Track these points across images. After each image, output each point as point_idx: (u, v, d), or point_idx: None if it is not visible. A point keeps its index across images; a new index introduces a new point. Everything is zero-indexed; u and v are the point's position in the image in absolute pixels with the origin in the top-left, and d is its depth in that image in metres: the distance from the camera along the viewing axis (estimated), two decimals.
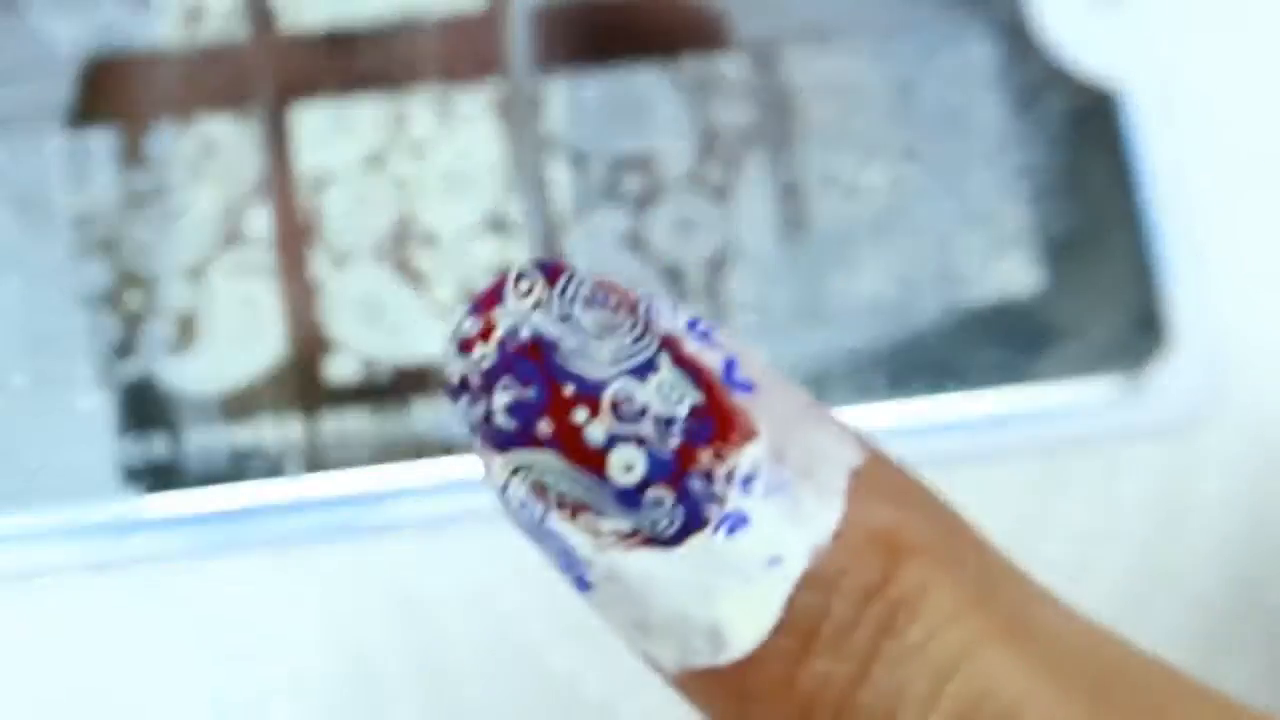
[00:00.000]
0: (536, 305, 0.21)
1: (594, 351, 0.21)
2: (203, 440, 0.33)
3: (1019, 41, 0.35)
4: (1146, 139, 0.35)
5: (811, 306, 0.35)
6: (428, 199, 0.35)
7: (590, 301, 0.21)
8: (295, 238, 0.34)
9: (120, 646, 0.33)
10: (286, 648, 0.33)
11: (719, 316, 0.34)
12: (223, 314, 0.34)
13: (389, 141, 0.35)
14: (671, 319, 0.22)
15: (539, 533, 0.22)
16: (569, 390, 0.21)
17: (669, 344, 0.21)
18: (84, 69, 0.34)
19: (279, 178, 0.34)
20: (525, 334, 0.21)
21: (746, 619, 0.21)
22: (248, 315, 0.34)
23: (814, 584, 0.21)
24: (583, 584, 0.22)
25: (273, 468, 0.33)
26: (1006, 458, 0.34)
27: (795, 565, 0.21)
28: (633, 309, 0.21)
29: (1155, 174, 0.35)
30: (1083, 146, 0.35)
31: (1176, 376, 0.34)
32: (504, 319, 0.21)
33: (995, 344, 0.35)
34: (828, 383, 0.34)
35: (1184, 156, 0.35)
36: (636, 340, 0.21)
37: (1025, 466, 0.34)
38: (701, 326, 0.22)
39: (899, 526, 0.21)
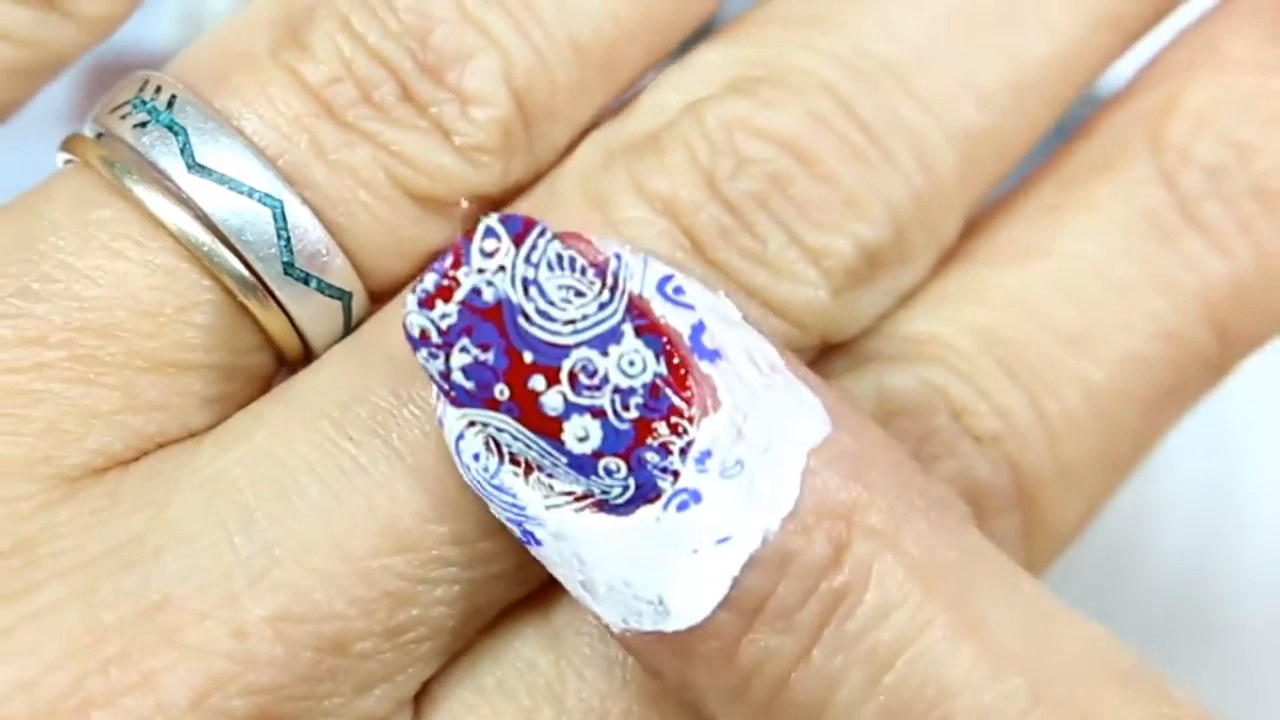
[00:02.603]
0: (501, 267, 0.21)
1: (556, 317, 0.21)
2: None
3: None
4: None
5: None
6: None
7: (557, 263, 0.21)
8: None
9: None
10: None
11: None
12: None
13: None
14: (641, 278, 0.21)
15: (488, 488, 0.21)
16: (528, 357, 0.21)
17: (636, 308, 0.21)
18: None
19: None
20: (488, 296, 0.21)
21: (691, 593, 0.21)
22: None
23: (762, 565, 0.21)
24: (531, 539, 0.21)
25: None
26: None
27: (744, 546, 0.21)
28: (601, 270, 0.21)
29: None
30: None
31: None
32: (467, 278, 0.21)
33: None
34: None
35: None
36: (602, 306, 0.21)
37: None
38: (674, 284, 0.21)
39: (853, 506, 0.21)
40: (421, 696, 0.23)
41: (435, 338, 0.21)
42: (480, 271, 0.21)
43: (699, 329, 0.21)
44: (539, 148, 0.24)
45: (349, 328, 0.24)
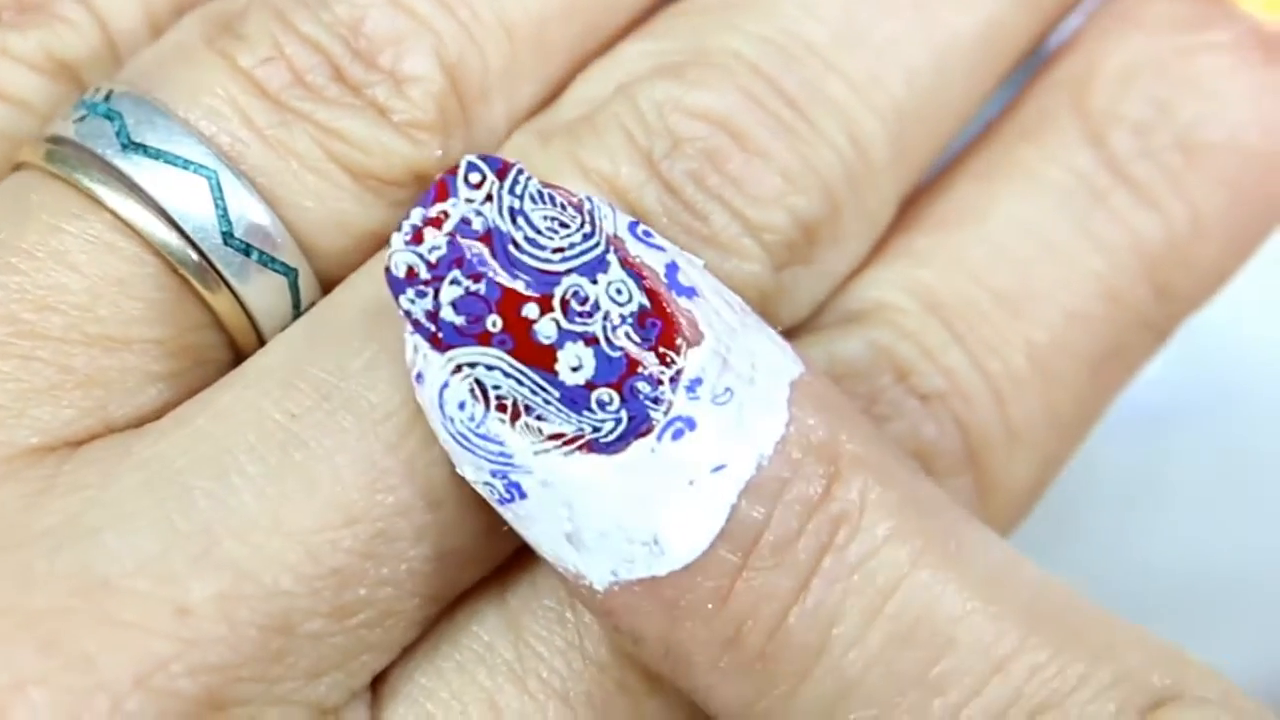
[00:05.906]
0: (488, 197, 0.20)
1: (545, 245, 0.20)
2: None
3: None
4: None
5: None
6: None
7: (539, 198, 0.21)
8: None
9: None
10: None
11: None
12: None
13: None
14: (613, 221, 0.21)
15: (473, 438, 0.21)
16: (520, 285, 0.20)
17: (614, 244, 0.21)
18: None
19: None
20: (477, 225, 0.20)
21: (688, 526, 0.20)
22: None
23: (757, 493, 0.21)
24: (515, 492, 0.21)
25: None
26: None
27: (740, 473, 0.21)
28: (578, 208, 0.21)
29: None
30: None
31: None
32: (456, 209, 0.20)
33: None
34: None
35: None
36: (586, 237, 0.21)
37: None
38: (642, 228, 0.21)
39: (838, 439, 0.21)
40: (379, 684, 0.23)
41: (424, 273, 0.20)
42: (469, 202, 0.20)
43: (673, 268, 0.21)
44: (476, 130, 0.24)
45: (298, 310, 0.23)
